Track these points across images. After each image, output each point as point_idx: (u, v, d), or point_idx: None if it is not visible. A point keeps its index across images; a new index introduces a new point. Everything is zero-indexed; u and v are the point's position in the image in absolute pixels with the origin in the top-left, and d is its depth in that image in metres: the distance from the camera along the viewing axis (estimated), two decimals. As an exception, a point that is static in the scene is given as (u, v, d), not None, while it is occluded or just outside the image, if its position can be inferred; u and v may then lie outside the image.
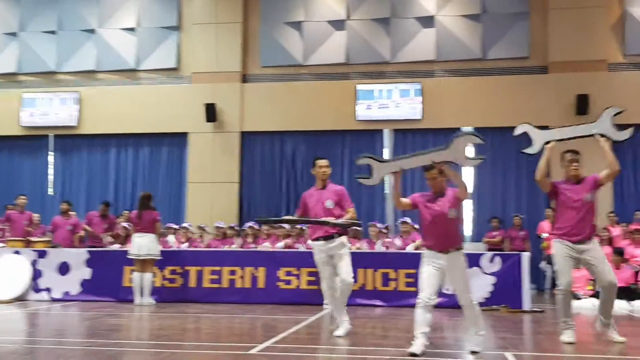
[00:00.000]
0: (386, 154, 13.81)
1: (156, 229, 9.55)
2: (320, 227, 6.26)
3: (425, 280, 5.29)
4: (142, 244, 9.31)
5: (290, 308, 8.88)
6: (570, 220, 5.96)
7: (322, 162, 6.61)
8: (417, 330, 5.19)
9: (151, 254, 9.33)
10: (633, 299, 9.34)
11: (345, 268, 6.22)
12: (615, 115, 6.16)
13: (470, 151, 5.60)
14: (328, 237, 6.26)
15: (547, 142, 6.21)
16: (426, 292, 5.22)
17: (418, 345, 5.13)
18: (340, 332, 6.15)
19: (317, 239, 6.33)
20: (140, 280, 9.30)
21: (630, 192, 12.84)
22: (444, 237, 5.32)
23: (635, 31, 13.05)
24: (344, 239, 6.34)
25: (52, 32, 14.92)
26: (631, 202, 12.74)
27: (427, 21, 13.66)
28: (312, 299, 9.26)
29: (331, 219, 6.17)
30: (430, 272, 5.28)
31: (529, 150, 6.28)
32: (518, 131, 6.37)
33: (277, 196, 13.96)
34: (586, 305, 9.13)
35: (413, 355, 5.06)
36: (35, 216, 12.19)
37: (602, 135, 6.15)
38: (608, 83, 12.97)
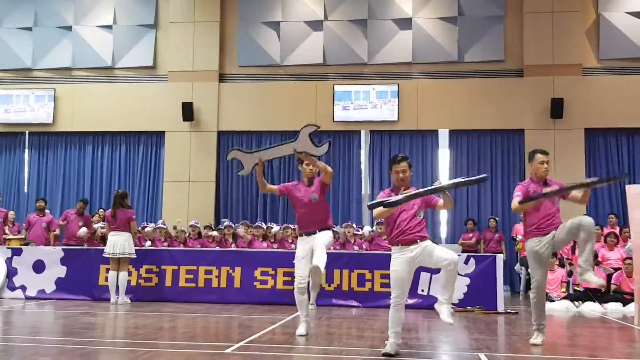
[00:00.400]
0: (363, 155, 13.91)
1: (132, 227, 9.51)
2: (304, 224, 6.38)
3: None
4: (117, 243, 9.27)
5: (266, 308, 8.92)
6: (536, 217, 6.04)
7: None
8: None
9: (126, 252, 9.29)
10: (606, 302, 9.52)
11: (319, 254, 6.10)
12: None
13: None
14: (311, 233, 6.30)
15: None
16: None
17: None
18: (302, 330, 6.21)
19: (301, 235, 6.40)
20: (116, 279, 9.25)
21: (604, 196, 13.07)
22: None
23: (610, 36, 13.30)
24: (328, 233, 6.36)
25: (28, 29, 14.76)
26: (605, 206, 12.97)
27: (405, 23, 13.78)
28: (288, 299, 9.27)
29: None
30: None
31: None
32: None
33: (254, 196, 13.98)
34: (559, 307, 9.32)
35: (387, 355, 5.15)
36: (11, 213, 12.07)
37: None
38: (582, 87, 13.21)
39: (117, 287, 9.29)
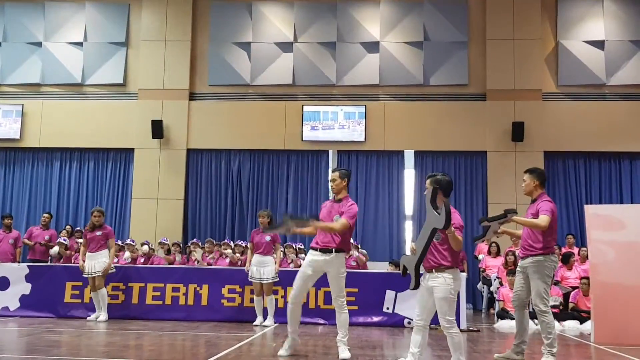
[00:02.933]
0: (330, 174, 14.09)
1: (109, 245, 9.50)
2: (319, 237, 6.22)
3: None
4: (91, 263, 9.34)
5: (234, 325, 9.00)
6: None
7: (331, 175, 6.42)
8: None
9: (96, 270, 9.29)
10: (563, 319, 9.83)
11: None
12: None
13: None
14: (325, 250, 6.13)
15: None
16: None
17: None
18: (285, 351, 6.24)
19: (314, 249, 6.22)
20: (96, 296, 9.36)
21: (562, 217, 13.47)
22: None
23: (568, 63, 13.83)
24: (341, 256, 6.19)
25: (-3, 44, 14.71)
26: (563, 226, 13.35)
27: (372, 47, 14.12)
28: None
29: (314, 215, 6.33)
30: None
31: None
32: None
33: (222, 213, 14.07)
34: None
35: None
36: None
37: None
38: (542, 111, 13.68)
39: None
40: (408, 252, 5.70)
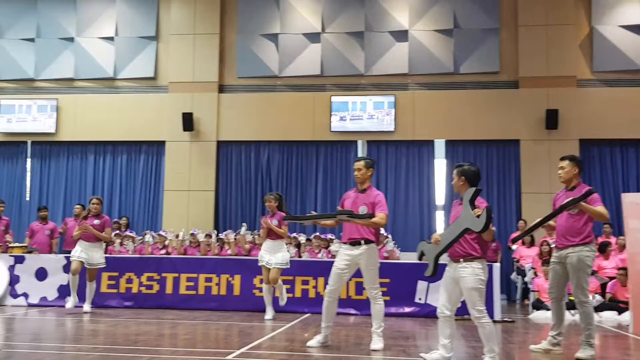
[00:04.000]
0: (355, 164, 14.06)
1: (104, 236, 9.36)
2: (346, 231, 6.25)
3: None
4: (90, 254, 9.21)
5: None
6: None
7: (356, 164, 6.36)
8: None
9: (97, 263, 9.26)
10: (601, 310, 9.67)
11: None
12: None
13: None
14: (354, 243, 6.17)
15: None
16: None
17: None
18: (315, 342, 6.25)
19: (344, 243, 6.26)
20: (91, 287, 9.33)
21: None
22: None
23: (603, 48, 13.52)
24: (372, 247, 6.20)
25: (31, 40, 14.94)
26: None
27: (401, 35, 14.00)
28: (286, 306, 9.46)
29: (344, 210, 6.15)
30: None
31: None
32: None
33: (253, 205, 14.15)
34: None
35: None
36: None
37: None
38: (577, 98, 13.41)
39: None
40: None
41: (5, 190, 14.68)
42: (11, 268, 10.13)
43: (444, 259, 5.34)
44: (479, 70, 13.80)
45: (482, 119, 13.60)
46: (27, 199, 14.73)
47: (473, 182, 5.23)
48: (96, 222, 9.20)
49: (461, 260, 5.14)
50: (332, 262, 8.73)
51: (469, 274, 5.08)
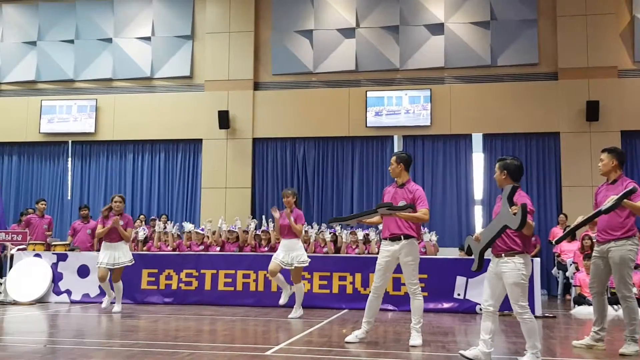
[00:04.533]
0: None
1: (127, 235, 9.03)
2: (386, 226, 6.22)
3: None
4: (114, 253, 8.93)
5: (303, 312, 9.06)
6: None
7: (391, 159, 6.38)
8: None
9: (121, 262, 8.93)
10: None
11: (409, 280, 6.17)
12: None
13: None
14: (394, 238, 6.16)
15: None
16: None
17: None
18: (353, 338, 6.20)
19: (384, 239, 6.25)
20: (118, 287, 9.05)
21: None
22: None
23: (645, 38, 13.16)
24: (412, 242, 6.15)
25: (70, 41, 15.25)
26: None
27: (437, 28, 13.85)
28: (323, 302, 9.49)
29: (384, 203, 6.09)
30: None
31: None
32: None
33: (289, 201, 14.16)
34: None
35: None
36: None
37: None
38: (618, 89, 13.09)
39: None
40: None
41: (47, 189, 15.05)
42: (54, 266, 10.35)
43: (488, 253, 5.28)
44: (517, 63, 13.56)
45: (521, 112, 13.37)
46: (69, 198, 15.04)
47: (515, 176, 5.17)
48: (120, 222, 8.90)
49: (503, 255, 5.07)
50: (370, 257, 8.73)
51: (510, 269, 5.00)
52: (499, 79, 13.69)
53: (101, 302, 9.28)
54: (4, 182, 14.66)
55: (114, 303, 9.00)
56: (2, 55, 15.48)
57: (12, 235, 10.57)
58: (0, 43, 15.53)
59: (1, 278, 10.60)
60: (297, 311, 8.39)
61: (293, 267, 8.36)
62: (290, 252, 8.37)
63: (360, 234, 10.94)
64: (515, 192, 4.96)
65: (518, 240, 5.03)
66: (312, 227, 11.34)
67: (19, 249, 10.63)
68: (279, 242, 8.68)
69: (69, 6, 15.34)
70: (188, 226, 11.51)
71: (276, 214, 8.47)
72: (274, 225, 10.05)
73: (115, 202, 9.05)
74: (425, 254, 10.22)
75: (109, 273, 8.90)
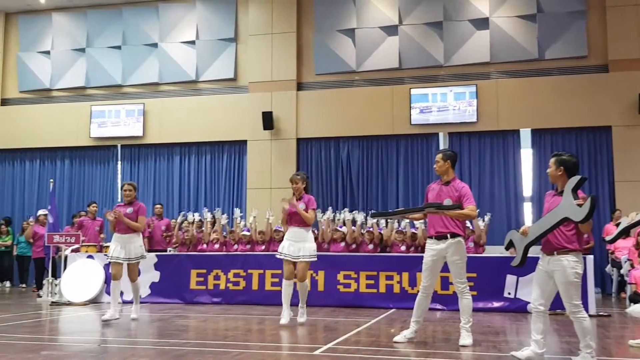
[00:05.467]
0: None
1: (136, 225, 8.16)
2: (431, 225, 6.15)
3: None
4: (126, 247, 8.13)
5: (350, 311, 9.06)
6: None
7: (436, 157, 6.28)
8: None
9: (132, 256, 8.16)
10: None
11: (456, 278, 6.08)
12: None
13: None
14: (440, 237, 6.07)
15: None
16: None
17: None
18: (402, 338, 6.14)
19: (430, 237, 6.16)
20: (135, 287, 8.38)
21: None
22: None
23: (700, 25, 12.68)
24: (458, 241, 6.03)
25: (117, 47, 15.61)
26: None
27: (481, 23, 13.63)
28: (370, 302, 9.44)
29: (432, 202, 5.99)
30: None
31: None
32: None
33: (334, 201, 14.15)
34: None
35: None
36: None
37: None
38: (672, 80, 12.64)
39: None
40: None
41: (98, 192, 15.44)
42: (106, 267, 10.57)
43: (536, 251, 5.15)
44: (566, 55, 13.24)
45: (570, 106, 13.04)
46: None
47: (571, 173, 5.04)
48: (129, 210, 8.12)
49: (555, 253, 4.94)
50: (417, 257, 8.64)
51: (563, 268, 4.87)
52: (547, 72, 13.39)
53: (155, 301, 9.39)
54: (57, 186, 15.07)
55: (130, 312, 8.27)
56: (53, 62, 15.94)
57: (66, 238, 10.83)
58: (51, 51, 15.98)
59: (56, 279, 10.90)
60: (304, 315, 7.54)
61: (299, 261, 7.41)
62: (297, 243, 7.47)
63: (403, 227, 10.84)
64: (582, 183, 4.83)
65: (573, 237, 4.90)
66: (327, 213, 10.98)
67: (72, 251, 10.92)
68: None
69: (116, 13, 15.69)
70: (237, 212, 11.45)
71: (286, 205, 7.60)
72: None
73: (125, 190, 8.25)
74: (475, 250, 9.97)
75: (122, 271, 8.08)
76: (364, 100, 14.11)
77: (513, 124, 13.45)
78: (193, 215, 11.68)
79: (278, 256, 7.60)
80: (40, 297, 11.11)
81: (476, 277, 8.94)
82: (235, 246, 11.20)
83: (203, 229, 11.42)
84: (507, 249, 5.32)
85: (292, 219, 7.56)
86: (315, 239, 8.73)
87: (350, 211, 10.75)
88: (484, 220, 10.33)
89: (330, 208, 11.05)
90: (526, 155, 13.47)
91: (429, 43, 13.86)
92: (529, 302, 8.70)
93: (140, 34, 15.49)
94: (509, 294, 9.07)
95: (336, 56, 14.33)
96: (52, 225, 11.38)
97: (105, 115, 15.38)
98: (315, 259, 7.58)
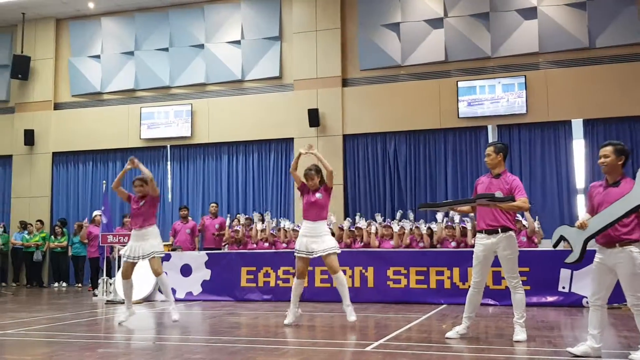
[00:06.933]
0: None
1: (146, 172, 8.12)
2: (481, 218, 6.04)
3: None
4: (140, 243, 7.81)
5: (401, 307, 9.01)
6: None
7: (486, 150, 6.18)
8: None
9: (148, 252, 7.76)
10: None
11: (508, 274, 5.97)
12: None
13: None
14: (491, 231, 5.95)
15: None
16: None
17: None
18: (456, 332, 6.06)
19: (480, 232, 6.05)
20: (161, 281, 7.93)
21: None
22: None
23: None
24: (510, 235, 5.93)
25: (165, 50, 15.86)
26: None
27: (529, 13, 13.33)
28: (420, 297, 9.37)
29: (484, 193, 5.88)
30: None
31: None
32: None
33: (382, 196, 14.10)
34: None
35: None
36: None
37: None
38: None
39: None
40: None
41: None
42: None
43: (591, 245, 5.02)
44: (618, 43, 12.81)
45: (624, 95, 12.63)
46: (169, 200, 15.66)
47: (626, 162, 4.92)
48: (141, 203, 7.91)
49: (617, 245, 4.80)
50: (467, 251, 8.53)
51: (627, 260, 4.74)
52: (598, 61, 13.00)
53: (208, 299, 9.51)
54: (110, 187, 15.41)
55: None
56: (103, 66, 16.33)
57: (119, 237, 11.09)
58: (101, 55, 16.38)
59: (110, 278, 11.18)
60: (352, 313, 7.11)
61: (326, 254, 7.14)
62: (316, 238, 7.21)
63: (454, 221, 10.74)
64: None
65: (635, 227, 4.76)
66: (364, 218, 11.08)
67: (126, 250, 11.16)
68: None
69: (163, 15, 15.96)
70: (286, 223, 11.59)
71: (303, 151, 7.60)
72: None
73: (136, 186, 8.03)
74: (527, 244, 9.77)
75: (132, 270, 7.83)
76: (410, 95, 13.99)
77: (564, 115, 13.12)
78: (243, 216, 11.88)
79: (297, 254, 7.32)
80: (96, 296, 11.43)
81: (529, 271, 8.75)
82: (284, 245, 11.29)
83: (252, 226, 11.56)
84: (555, 246, 5.19)
85: (309, 211, 7.33)
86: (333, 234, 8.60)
87: (398, 219, 10.74)
88: (535, 220, 10.15)
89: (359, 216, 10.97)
90: (578, 147, 13.13)
91: (475, 35, 13.65)
92: (583, 296, 8.54)
93: (187, 36, 15.72)
94: (563, 288, 8.88)
95: (381, 51, 14.25)
96: (105, 225, 11.68)
97: (155, 116, 15.68)
98: (339, 250, 7.32)
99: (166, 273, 8.26)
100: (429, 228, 10.76)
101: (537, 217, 10.35)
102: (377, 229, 10.78)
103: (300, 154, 7.61)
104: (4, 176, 17.02)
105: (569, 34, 13.06)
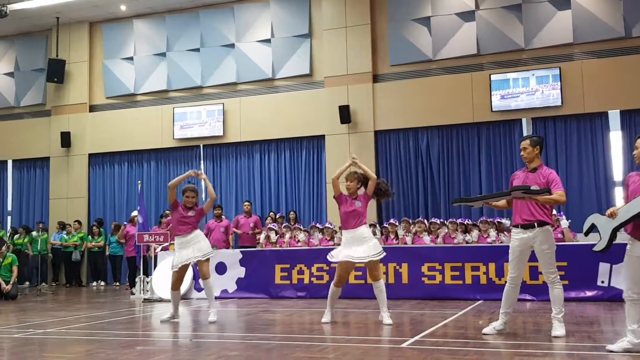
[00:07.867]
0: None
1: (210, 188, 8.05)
2: (517, 212, 5.92)
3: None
4: (189, 249, 7.80)
5: (436, 303, 8.94)
6: None
7: (522, 143, 6.08)
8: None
9: (197, 254, 7.78)
10: None
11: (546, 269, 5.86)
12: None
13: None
14: (527, 226, 5.85)
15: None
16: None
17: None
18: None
19: (515, 226, 5.94)
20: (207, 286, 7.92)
21: None
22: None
23: None
24: (546, 230, 5.82)
25: (196, 50, 16.00)
26: None
27: (563, 3, 13.08)
28: (456, 293, 9.28)
29: (519, 185, 5.79)
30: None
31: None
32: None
33: (414, 192, 14.02)
34: None
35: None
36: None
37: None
38: None
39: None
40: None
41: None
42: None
43: (622, 238, 4.91)
44: (656, 31, 12.51)
45: (663, 84, 12.32)
46: (204, 199, 15.76)
47: None
48: (191, 213, 7.81)
49: None
50: (502, 246, 8.43)
51: None
52: (635, 50, 12.70)
53: (243, 296, 9.51)
54: (145, 187, 15.65)
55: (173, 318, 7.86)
56: (136, 68, 16.55)
57: (155, 237, 11.23)
58: (134, 56, 16.60)
59: (147, 277, 11.33)
60: (389, 318, 6.97)
61: (367, 261, 6.99)
62: (359, 246, 6.99)
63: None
64: None
65: None
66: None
67: (162, 249, 11.32)
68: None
69: (193, 16, 16.10)
70: (317, 236, 11.63)
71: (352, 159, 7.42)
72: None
73: (187, 196, 7.87)
74: (563, 240, 9.66)
75: (181, 282, 7.88)
76: (442, 89, 13.86)
77: (600, 106, 12.85)
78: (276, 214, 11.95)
79: (334, 259, 7.21)
80: (133, 294, 11.60)
81: (567, 265, 8.63)
82: (316, 242, 11.33)
83: (285, 224, 11.62)
84: (586, 234, 5.09)
85: (348, 221, 7.08)
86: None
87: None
88: (566, 220, 10.01)
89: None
90: (615, 138, 12.85)
91: (508, 27, 13.45)
92: (623, 291, 8.35)
93: (218, 36, 15.83)
94: (602, 282, 8.71)
95: (411, 46, 14.15)
96: (141, 225, 11.84)
97: (187, 116, 15.84)
98: (383, 254, 7.10)
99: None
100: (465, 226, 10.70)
101: (569, 220, 10.20)
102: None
103: (349, 165, 7.50)
104: (42, 178, 17.40)
105: (604, 23, 12.79)
